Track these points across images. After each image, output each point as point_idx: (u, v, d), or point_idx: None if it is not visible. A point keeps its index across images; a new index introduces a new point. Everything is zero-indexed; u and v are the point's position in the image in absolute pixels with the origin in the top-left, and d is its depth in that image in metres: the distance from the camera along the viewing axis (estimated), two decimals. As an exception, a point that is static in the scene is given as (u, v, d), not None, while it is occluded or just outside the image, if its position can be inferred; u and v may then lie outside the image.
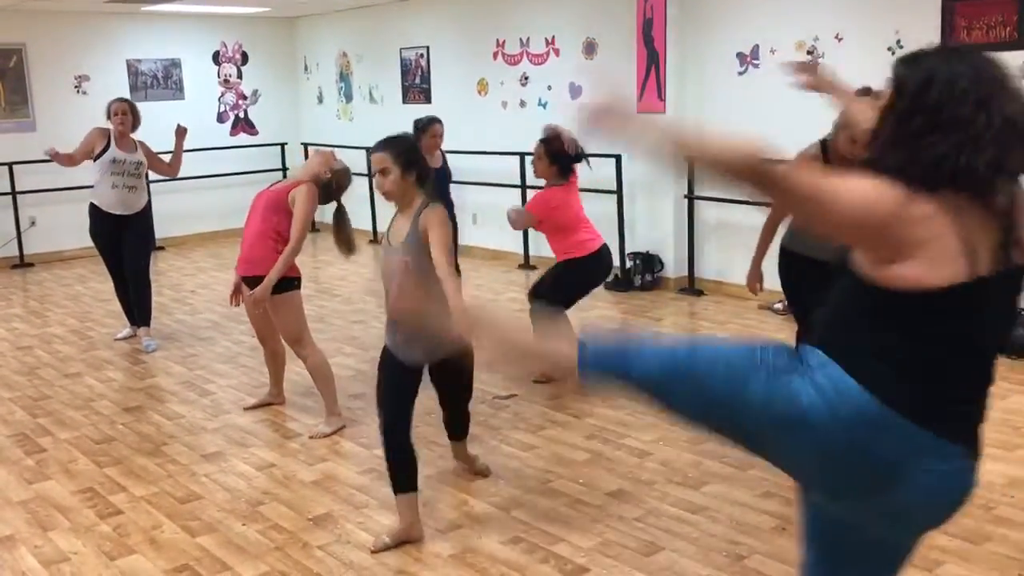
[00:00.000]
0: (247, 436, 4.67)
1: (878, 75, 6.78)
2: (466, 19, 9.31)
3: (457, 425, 3.96)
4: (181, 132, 6.55)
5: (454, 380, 3.75)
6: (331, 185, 4.75)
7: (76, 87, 10.13)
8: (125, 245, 6.36)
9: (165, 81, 10.71)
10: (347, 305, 7.48)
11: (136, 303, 6.45)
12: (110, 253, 6.46)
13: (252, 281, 4.56)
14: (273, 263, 4.46)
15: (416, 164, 3.48)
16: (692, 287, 7.53)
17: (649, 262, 7.69)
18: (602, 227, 8.11)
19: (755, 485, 3.88)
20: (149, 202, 6.63)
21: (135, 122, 6.44)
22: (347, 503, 3.85)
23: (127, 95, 10.34)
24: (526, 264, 8.73)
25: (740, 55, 7.04)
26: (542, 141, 5.18)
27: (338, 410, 4.73)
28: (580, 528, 3.57)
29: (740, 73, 7.05)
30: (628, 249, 7.90)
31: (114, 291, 6.67)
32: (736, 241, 7.35)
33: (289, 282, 4.57)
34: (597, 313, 6.98)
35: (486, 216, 9.29)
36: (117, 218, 6.33)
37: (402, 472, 3.48)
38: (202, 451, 4.49)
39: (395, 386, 3.48)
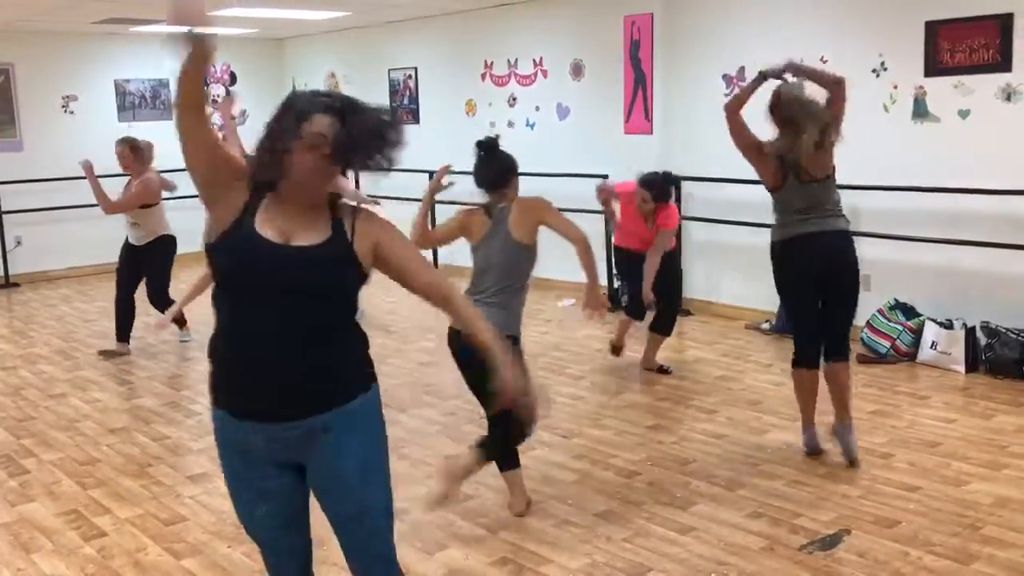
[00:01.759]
0: (233, 457, 4.64)
1: (861, 96, 6.87)
2: (454, 40, 9.36)
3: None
4: (87, 168, 6.44)
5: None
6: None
7: (64, 107, 10.12)
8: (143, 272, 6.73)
9: (153, 101, 10.71)
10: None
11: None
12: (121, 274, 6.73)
13: None
14: None
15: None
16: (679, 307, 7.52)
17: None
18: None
19: (743, 505, 3.88)
20: (161, 237, 6.64)
21: (136, 159, 6.51)
22: (334, 524, 3.82)
23: (115, 115, 10.39)
24: (514, 284, 8.73)
25: (726, 76, 7.10)
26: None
27: None
28: (568, 549, 3.55)
29: (726, 94, 7.09)
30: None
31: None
32: (724, 261, 7.38)
33: None
34: (585, 334, 6.99)
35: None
36: (130, 247, 6.72)
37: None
38: (187, 472, 4.46)
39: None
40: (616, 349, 6.10)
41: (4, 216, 9.55)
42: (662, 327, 5.84)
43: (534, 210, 3.77)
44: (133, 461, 4.63)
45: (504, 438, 3.73)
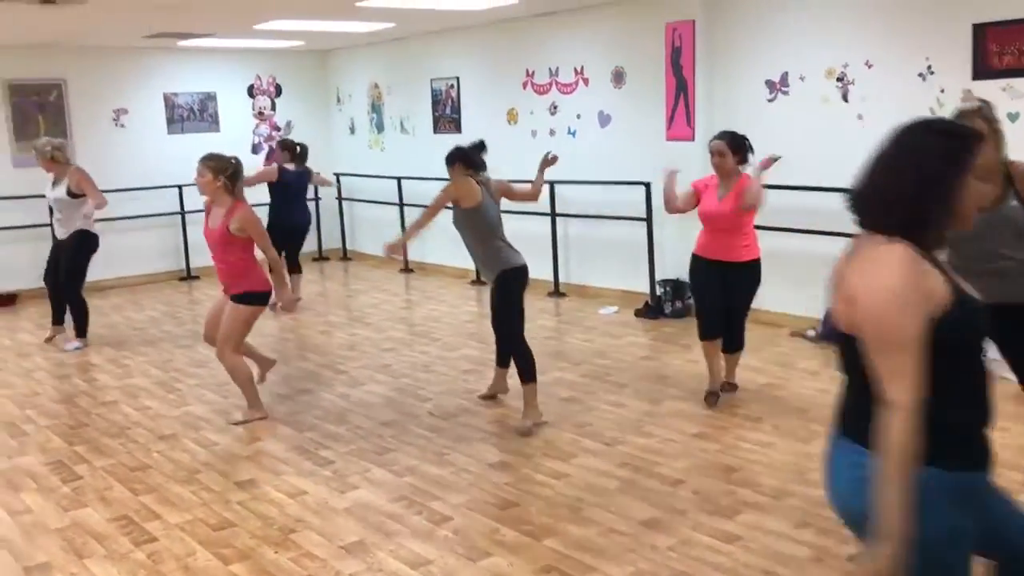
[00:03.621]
0: (279, 464, 4.70)
1: (908, 101, 6.77)
2: (496, 50, 9.41)
3: None
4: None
5: None
6: None
7: (115, 120, 10.34)
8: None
9: (201, 114, 10.90)
10: (378, 333, 7.52)
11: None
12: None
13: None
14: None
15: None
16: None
17: (679, 289, 7.66)
18: (632, 253, 8.18)
19: (790, 514, 3.84)
20: (76, 231, 7.24)
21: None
22: (379, 531, 3.86)
23: (164, 128, 10.59)
24: (556, 292, 8.73)
25: (769, 82, 7.04)
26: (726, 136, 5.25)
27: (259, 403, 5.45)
28: (613, 557, 3.54)
29: (769, 100, 7.05)
30: (658, 276, 7.88)
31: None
32: (768, 268, 7.30)
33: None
34: (628, 340, 6.97)
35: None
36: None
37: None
38: (235, 478, 4.52)
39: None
40: (713, 395, 5.44)
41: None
42: (729, 343, 5.48)
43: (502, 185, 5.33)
44: (182, 467, 4.70)
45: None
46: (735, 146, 5.20)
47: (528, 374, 5.03)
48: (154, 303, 9.33)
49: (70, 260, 7.27)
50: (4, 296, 9.41)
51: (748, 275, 5.33)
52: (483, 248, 5.15)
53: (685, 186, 5.47)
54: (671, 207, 5.47)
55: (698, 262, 5.40)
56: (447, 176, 5.22)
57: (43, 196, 7.52)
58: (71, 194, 7.11)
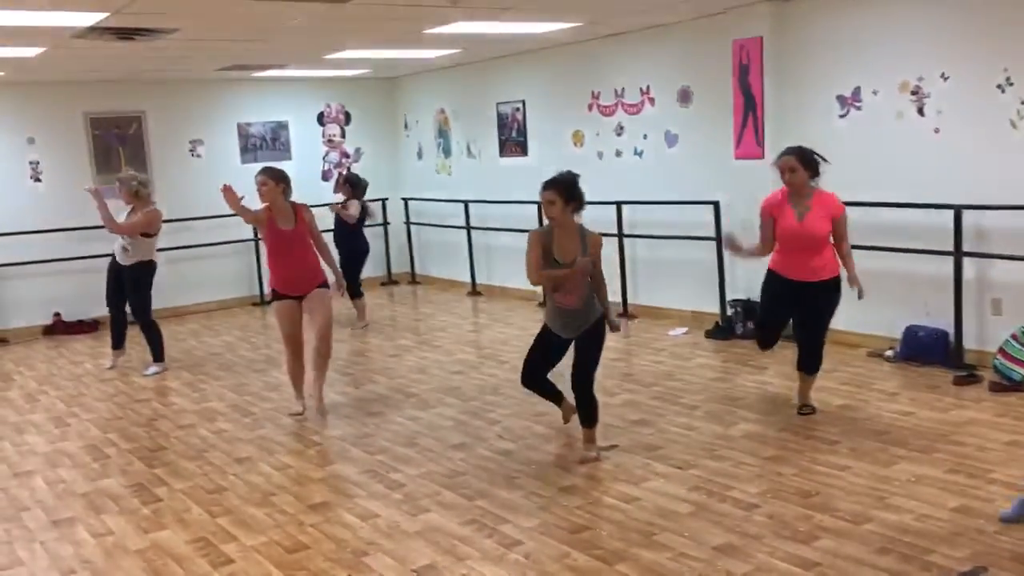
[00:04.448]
0: (352, 486, 4.74)
1: (986, 113, 6.59)
2: (561, 72, 9.44)
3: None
4: (94, 192, 7.42)
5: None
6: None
7: (191, 151, 10.65)
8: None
9: (273, 143, 11.16)
10: (448, 356, 7.56)
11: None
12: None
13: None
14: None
15: (576, 198, 4.87)
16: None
17: (750, 309, 7.53)
18: (701, 273, 8.08)
19: (870, 540, 3.73)
20: (141, 261, 7.52)
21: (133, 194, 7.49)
22: (450, 554, 3.86)
23: (238, 157, 10.88)
24: (625, 314, 8.66)
25: (840, 97, 6.92)
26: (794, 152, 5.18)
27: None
28: (686, 583, 3.48)
29: (841, 116, 6.92)
30: (729, 296, 7.77)
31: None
32: (844, 286, 7.15)
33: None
34: (698, 362, 6.88)
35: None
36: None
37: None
38: (309, 501, 4.57)
39: (544, 350, 5.01)
40: (805, 407, 5.47)
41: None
42: (807, 364, 5.41)
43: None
44: (257, 490, 4.78)
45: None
46: (804, 161, 5.12)
47: (590, 420, 4.91)
48: (229, 328, 9.53)
49: (136, 292, 7.53)
50: (87, 323, 9.74)
51: (826, 294, 5.23)
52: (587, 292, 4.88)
53: (751, 209, 5.39)
54: (762, 252, 5.38)
55: (773, 277, 5.33)
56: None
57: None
58: (143, 232, 7.37)
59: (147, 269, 7.54)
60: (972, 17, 6.10)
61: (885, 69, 6.62)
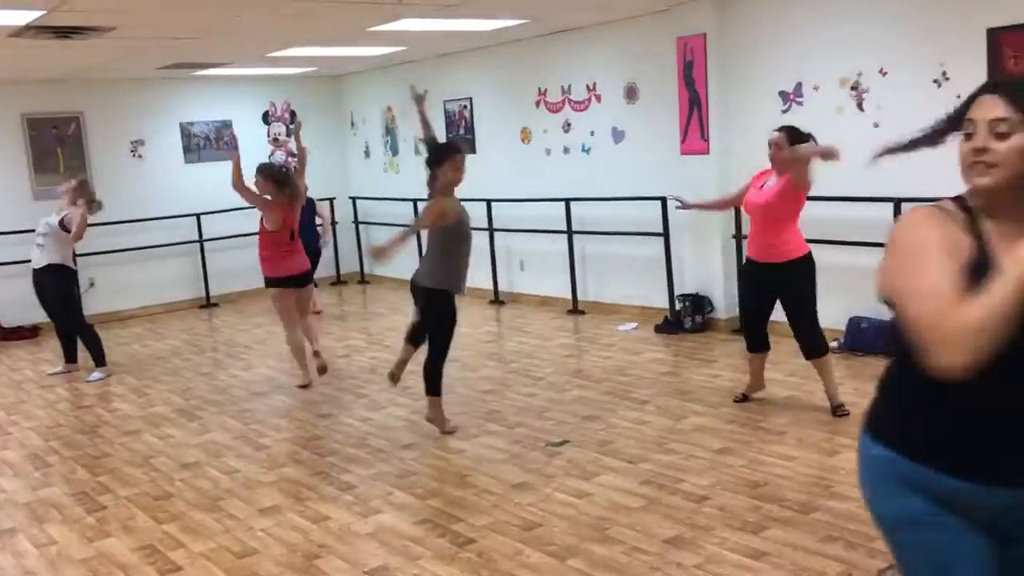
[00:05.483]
0: (302, 489, 4.69)
1: (924, 107, 6.71)
2: (508, 69, 9.44)
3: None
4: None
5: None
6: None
7: (132, 151, 10.44)
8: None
9: (217, 142, 10.99)
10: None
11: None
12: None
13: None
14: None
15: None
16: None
17: (699, 303, 7.62)
18: (649, 269, 8.15)
19: (817, 529, 3.79)
20: (53, 265, 7.33)
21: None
22: (402, 554, 3.84)
23: (181, 157, 10.70)
24: (575, 310, 8.71)
25: (783, 93, 7.02)
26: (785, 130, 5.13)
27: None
28: (638, 575, 3.51)
29: (783, 111, 7.02)
30: (677, 291, 7.85)
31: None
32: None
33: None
34: (648, 357, 6.93)
35: (532, 262, 9.33)
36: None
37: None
38: (258, 505, 4.51)
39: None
40: (839, 407, 5.26)
41: (77, 259, 9.84)
42: (809, 348, 5.26)
43: None
44: (205, 495, 4.71)
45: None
46: (793, 140, 5.04)
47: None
48: (175, 332, 9.38)
49: (60, 301, 7.38)
50: (27, 329, 9.50)
51: (792, 275, 5.13)
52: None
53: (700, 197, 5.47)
54: (720, 206, 5.61)
55: (746, 264, 5.42)
56: (463, 195, 5.23)
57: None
58: (63, 226, 7.21)
59: (62, 275, 7.35)
60: (910, 13, 6.23)
61: (826, 65, 6.74)
